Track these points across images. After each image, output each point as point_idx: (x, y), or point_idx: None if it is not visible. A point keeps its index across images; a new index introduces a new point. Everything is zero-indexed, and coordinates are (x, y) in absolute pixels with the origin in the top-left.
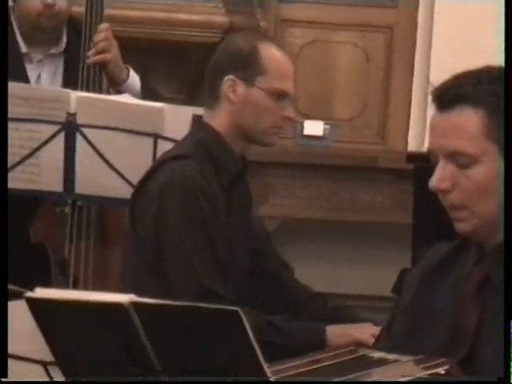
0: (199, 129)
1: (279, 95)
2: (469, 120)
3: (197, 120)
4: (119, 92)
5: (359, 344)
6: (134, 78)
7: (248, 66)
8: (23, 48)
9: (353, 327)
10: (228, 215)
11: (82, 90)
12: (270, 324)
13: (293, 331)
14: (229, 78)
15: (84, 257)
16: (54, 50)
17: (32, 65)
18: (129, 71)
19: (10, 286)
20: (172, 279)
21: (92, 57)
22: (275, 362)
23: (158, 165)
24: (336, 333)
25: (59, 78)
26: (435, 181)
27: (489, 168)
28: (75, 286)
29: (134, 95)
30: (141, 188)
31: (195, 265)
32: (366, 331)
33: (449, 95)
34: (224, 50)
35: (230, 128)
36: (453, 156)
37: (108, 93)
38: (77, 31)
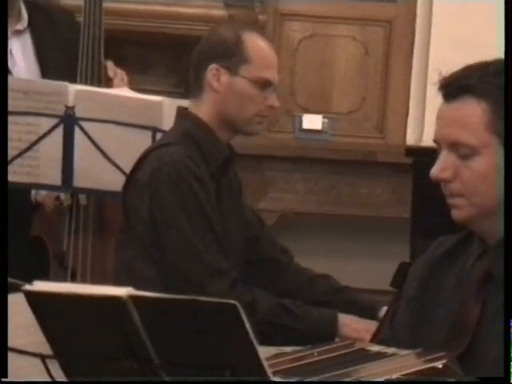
0: (185, 118)
1: (263, 84)
2: (472, 111)
3: (182, 111)
4: None
5: (364, 337)
6: None
7: (232, 55)
8: None
9: (364, 323)
10: (218, 204)
11: (81, 82)
12: (282, 307)
13: (305, 315)
14: (213, 67)
15: (82, 250)
16: (19, 26)
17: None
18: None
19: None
20: (174, 263)
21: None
22: (273, 355)
23: (145, 155)
24: (349, 324)
25: (30, 53)
26: (437, 170)
27: (489, 160)
28: (73, 279)
29: None
30: (130, 180)
31: (196, 245)
32: (372, 328)
33: (455, 85)
34: (208, 40)
35: (215, 117)
36: (455, 146)
37: (107, 86)
38: (37, 8)
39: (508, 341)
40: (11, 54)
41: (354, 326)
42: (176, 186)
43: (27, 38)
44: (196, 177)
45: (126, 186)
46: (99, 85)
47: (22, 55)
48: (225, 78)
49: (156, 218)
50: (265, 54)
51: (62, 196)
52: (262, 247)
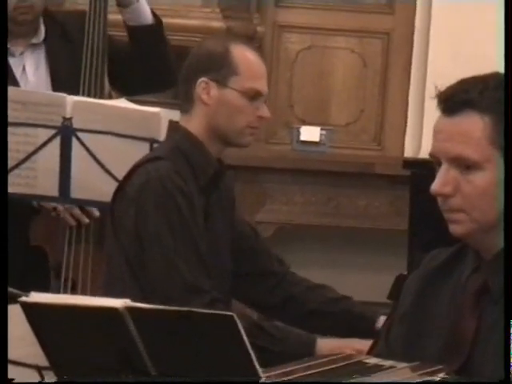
0: (175, 132)
1: (253, 95)
2: (475, 126)
3: (173, 124)
4: (133, 12)
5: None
6: (145, 7)
7: (220, 68)
8: None
9: (341, 341)
10: (207, 218)
11: (83, 93)
12: (260, 329)
13: (283, 338)
14: (202, 81)
15: (83, 260)
16: (34, 41)
17: (15, 58)
18: None
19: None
20: (154, 278)
21: None
22: (269, 368)
23: (134, 169)
24: (326, 346)
25: (43, 68)
26: (438, 185)
27: (491, 174)
28: (73, 290)
29: (144, 20)
30: (118, 193)
31: (176, 261)
32: (354, 347)
33: (455, 100)
34: (196, 54)
35: (206, 130)
36: (456, 161)
37: (110, 97)
38: (53, 20)
39: (508, 341)
40: (24, 70)
41: (333, 349)
42: (162, 202)
43: (41, 52)
44: (183, 193)
45: (114, 197)
46: (101, 97)
47: (34, 70)
48: (214, 90)
49: (140, 233)
50: (253, 64)
51: (60, 207)
52: (258, 259)
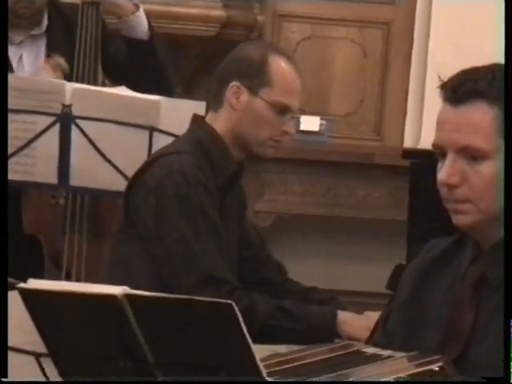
0: (199, 128)
1: (281, 109)
2: (484, 116)
3: (197, 119)
4: (126, 23)
5: (364, 334)
6: (141, 21)
7: (255, 76)
8: None
9: (362, 318)
10: (221, 218)
11: (76, 80)
12: (281, 308)
13: (305, 315)
14: (234, 85)
15: (77, 249)
16: (35, 32)
17: (13, 46)
18: (138, 6)
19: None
20: (175, 268)
21: None
22: (268, 355)
23: (155, 159)
24: (346, 320)
25: (42, 59)
26: (445, 175)
27: (499, 164)
28: (68, 279)
29: (136, 34)
30: (136, 181)
31: (198, 252)
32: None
33: (463, 89)
34: (234, 56)
35: (229, 133)
36: (464, 151)
37: (103, 85)
38: (58, 12)
39: (508, 341)
40: (21, 59)
41: (354, 324)
42: (184, 194)
43: (42, 43)
44: (205, 187)
45: (130, 185)
46: (95, 85)
47: (32, 61)
48: (244, 97)
49: (161, 222)
50: (288, 79)
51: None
52: (259, 268)
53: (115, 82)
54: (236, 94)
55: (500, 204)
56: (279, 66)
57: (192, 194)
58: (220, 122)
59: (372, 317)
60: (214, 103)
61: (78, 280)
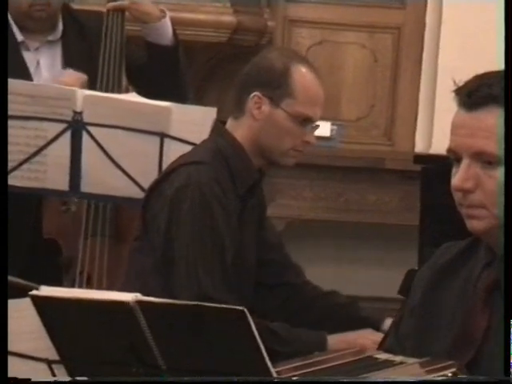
0: (220, 136)
1: (303, 120)
2: (499, 121)
3: (218, 126)
4: (153, 30)
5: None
6: (166, 27)
7: (277, 86)
8: (19, 36)
9: (354, 334)
10: (240, 225)
11: (101, 88)
12: (271, 331)
13: (294, 339)
14: (255, 95)
15: (99, 254)
16: (51, 37)
17: (29, 52)
18: (165, 13)
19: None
20: (176, 280)
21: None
22: (280, 362)
23: (175, 168)
24: (338, 341)
25: (58, 65)
26: (459, 180)
27: None
28: (89, 284)
29: (161, 40)
30: (155, 189)
31: (199, 270)
32: (368, 338)
33: (479, 94)
34: (257, 64)
35: (250, 143)
36: (478, 156)
37: (127, 91)
38: (72, 18)
39: (508, 341)
40: (38, 65)
41: (343, 343)
42: (197, 209)
43: (58, 49)
44: (220, 202)
45: (149, 194)
46: (119, 91)
47: (49, 67)
48: (266, 107)
49: (171, 234)
50: (310, 90)
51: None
52: (279, 271)
53: (136, 87)
54: (257, 104)
55: None
56: (302, 76)
57: (205, 209)
58: (240, 131)
59: (366, 334)
60: (235, 111)
61: (99, 285)
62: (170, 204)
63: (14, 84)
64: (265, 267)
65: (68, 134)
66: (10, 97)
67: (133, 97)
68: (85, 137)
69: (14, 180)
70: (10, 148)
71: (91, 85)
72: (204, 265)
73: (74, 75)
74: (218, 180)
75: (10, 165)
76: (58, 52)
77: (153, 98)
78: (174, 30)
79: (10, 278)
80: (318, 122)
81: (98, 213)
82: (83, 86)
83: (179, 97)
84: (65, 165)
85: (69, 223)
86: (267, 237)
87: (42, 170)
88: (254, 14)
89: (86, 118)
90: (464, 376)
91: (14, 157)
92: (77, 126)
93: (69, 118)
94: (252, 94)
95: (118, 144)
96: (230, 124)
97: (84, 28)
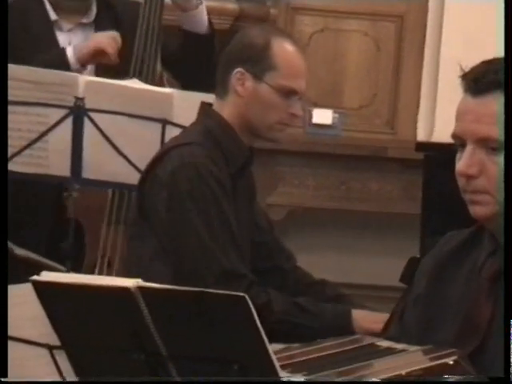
0: (208, 117)
1: (287, 93)
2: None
3: (205, 108)
4: (190, 17)
5: (379, 329)
6: (202, 15)
7: (259, 61)
8: (52, 15)
9: (375, 314)
10: (234, 206)
11: (134, 75)
12: (297, 305)
13: (320, 313)
14: (238, 71)
15: (121, 241)
16: (84, 20)
17: (62, 32)
18: (201, 1)
19: (48, 261)
20: (189, 265)
21: None
22: (282, 349)
23: (166, 151)
24: (361, 317)
25: None
26: (463, 166)
27: None
28: (109, 267)
29: (198, 29)
30: (149, 175)
31: (213, 248)
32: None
33: (485, 80)
34: (237, 41)
35: (237, 120)
36: (483, 142)
37: (161, 77)
38: (107, 4)
39: (508, 341)
40: (70, 45)
41: (369, 319)
42: (197, 189)
43: (90, 33)
44: (217, 179)
45: (143, 179)
46: (153, 80)
47: None
48: (249, 83)
49: (174, 218)
50: (292, 62)
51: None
52: (269, 254)
53: (171, 75)
54: (241, 80)
55: None
56: (283, 49)
57: (204, 187)
58: (227, 110)
59: (385, 315)
60: (220, 91)
61: (119, 272)
62: (166, 187)
63: (16, 70)
64: (255, 250)
65: (70, 120)
66: (12, 83)
67: (135, 83)
68: (86, 123)
69: (16, 166)
70: (11, 134)
71: (122, 72)
72: (215, 241)
73: (105, 34)
74: (212, 158)
75: (12, 150)
76: (90, 35)
77: (187, 87)
78: (210, 19)
79: (37, 257)
80: (303, 95)
81: (122, 201)
82: (118, 43)
83: (213, 85)
84: (66, 151)
85: (95, 207)
86: (258, 219)
87: (44, 156)
88: (257, 2)
89: (88, 104)
90: (464, 376)
91: (15, 142)
92: (78, 112)
93: (71, 104)
94: (234, 71)
95: (119, 130)
96: (216, 104)
97: (118, 16)
